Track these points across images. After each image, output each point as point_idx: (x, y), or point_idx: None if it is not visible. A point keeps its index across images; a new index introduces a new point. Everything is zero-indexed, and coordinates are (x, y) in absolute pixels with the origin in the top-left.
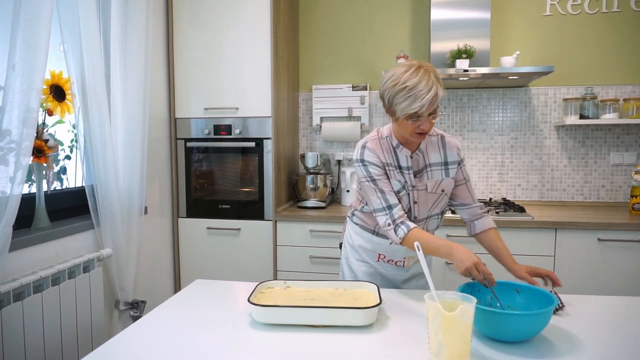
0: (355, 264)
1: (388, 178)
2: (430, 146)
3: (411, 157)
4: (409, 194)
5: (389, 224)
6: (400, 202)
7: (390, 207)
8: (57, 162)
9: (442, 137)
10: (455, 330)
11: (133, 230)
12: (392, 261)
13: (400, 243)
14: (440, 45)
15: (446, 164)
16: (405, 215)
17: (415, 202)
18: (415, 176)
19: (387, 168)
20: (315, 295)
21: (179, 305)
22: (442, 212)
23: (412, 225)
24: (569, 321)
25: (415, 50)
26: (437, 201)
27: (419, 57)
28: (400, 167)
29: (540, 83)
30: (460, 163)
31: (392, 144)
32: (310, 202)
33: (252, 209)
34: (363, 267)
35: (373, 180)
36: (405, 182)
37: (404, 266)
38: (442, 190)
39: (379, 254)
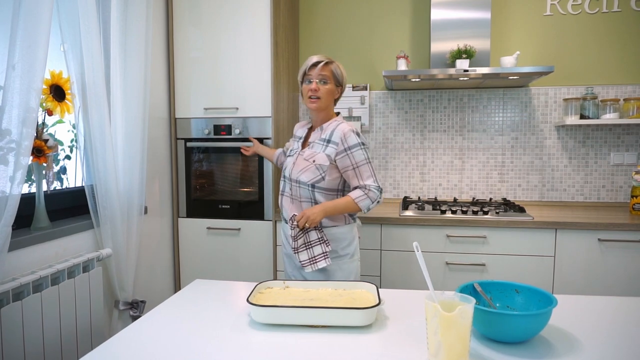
0: (283, 249)
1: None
2: (329, 127)
3: (313, 131)
4: (292, 156)
5: None
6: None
7: None
8: (57, 162)
9: (341, 123)
10: (454, 331)
11: (133, 230)
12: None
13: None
14: (441, 45)
15: (328, 141)
16: (282, 157)
17: (294, 163)
18: (307, 145)
19: (293, 138)
20: (314, 296)
21: (178, 305)
22: (314, 186)
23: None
24: (568, 322)
25: (416, 51)
26: (305, 168)
27: (419, 57)
28: (300, 138)
29: (541, 83)
30: (347, 149)
31: (308, 123)
32: None
33: (252, 209)
34: (285, 250)
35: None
36: (294, 148)
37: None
38: (314, 161)
39: (287, 237)
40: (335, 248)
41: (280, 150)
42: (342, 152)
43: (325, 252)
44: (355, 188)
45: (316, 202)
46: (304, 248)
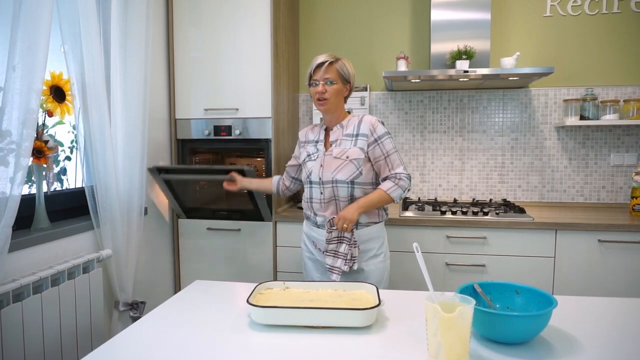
0: (304, 252)
1: (299, 153)
2: (350, 122)
3: (332, 130)
4: (315, 160)
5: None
6: (299, 170)
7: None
8: (57, 163)
9: (363, 116)
10: (453, 332)
11: (133, 230)
12: (321, 250)
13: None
14: (441, 46)
15: (357, 135)
16: (285, 182)
17: (321, 166)
18: (331, 145)
19: (303, 144)
20: (314, 297)
21: (178, 306)
22: (353, 182)
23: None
24: (568, 323)
25: (416, 51)
26: (340, 166)
27: (419, 58)
28: (317, 141)
29: (541, 84)
30: (377, 139)
31: (320, 125)
32: None
33: (252, 210)
34: (307, 254)
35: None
36: (313, 152)
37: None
38: (347, 157)
39: (313, 241)
40: (372, 247)
41: (278, 176)
42: (373, 143)
43: (354, 256)
44: (385, 179)
45: (353, 199)
46: (333, 254)
